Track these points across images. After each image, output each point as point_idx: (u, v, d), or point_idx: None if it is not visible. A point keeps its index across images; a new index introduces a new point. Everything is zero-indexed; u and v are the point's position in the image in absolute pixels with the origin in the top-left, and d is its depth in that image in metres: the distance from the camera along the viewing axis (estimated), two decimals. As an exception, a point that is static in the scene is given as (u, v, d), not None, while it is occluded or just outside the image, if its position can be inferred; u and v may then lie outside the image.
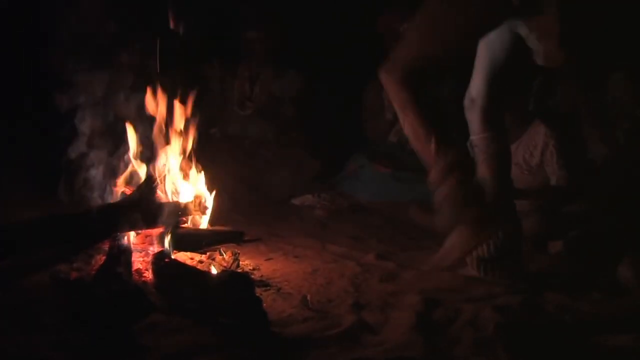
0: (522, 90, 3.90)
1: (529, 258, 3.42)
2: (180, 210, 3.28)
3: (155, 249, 3.04)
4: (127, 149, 3.40)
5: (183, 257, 3.11)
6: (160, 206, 3.14)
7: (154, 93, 3.40)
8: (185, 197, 3.41)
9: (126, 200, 3.13)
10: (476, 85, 3.04)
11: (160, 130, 3.40)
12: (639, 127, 3.86)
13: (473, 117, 3.06)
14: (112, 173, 3.34)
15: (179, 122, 3.44)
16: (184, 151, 3.46)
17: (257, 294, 2.49)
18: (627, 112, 3.85)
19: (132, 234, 3.10)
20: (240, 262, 3.10)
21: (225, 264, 3.04)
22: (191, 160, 3.50)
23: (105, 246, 2.94)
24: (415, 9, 2.94)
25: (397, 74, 2.89)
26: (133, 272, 2.79)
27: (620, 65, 3.89)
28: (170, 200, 3.32)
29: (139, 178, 3.34)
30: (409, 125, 2.94)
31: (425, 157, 2.96)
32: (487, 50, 2.99)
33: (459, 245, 3.02)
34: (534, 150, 3.90)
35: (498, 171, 3.04)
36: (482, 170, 3.03)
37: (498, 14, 2.81)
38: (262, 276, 3.03)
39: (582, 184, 3.81)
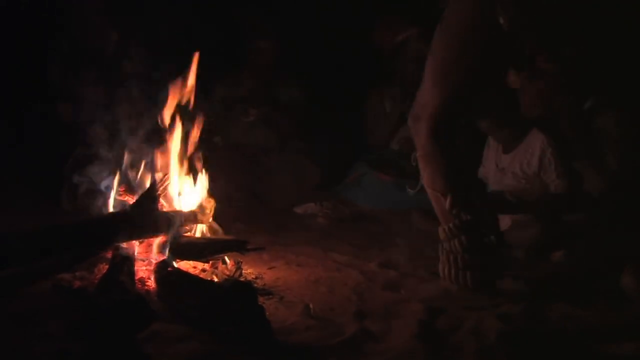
0: (513, 105, 3.90)
1: (531, 267, 3.43)
2: (182, 219, 3.28)
3: (157, 257, 3.04)
4: (129, 158, 3.41)
5: (186, 265, 3.11)
6: (162, 215, 3.14)
7: (161, 101, 3.41)
8: (187, 205, 3.41)
9: (128, 209, 3.14)
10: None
11: (163, 138, 3.40)
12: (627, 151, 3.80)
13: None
14: (115, 181, 3.34)
15: (182, 131, 3.44)
16: (187, 160, 3.47)
17: (260, 303, 2.49)
18: (614, 137, 3.81)
19: (134, 242, 3.10)
20: (243, 271, 3.10)
21: (228, 273, 3.04)
22: (194, 169, 3.50)
23: (108, 255, 2.94)
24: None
25: (427, 123, 2.97)
26: (136, 281, 2.79)
27: (605, 89, 3.87)
28: (173, 209, 3.32)
29: (142, 187, 3.34)
30: (428, 177, 3.04)
31: (439, 211, 3.05)
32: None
33: None
34: (531, 158, 3.90)
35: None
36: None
37: (492, 46, 2.87)
38: (264, 285, 3.03)
39: (581, 192, 3.80)
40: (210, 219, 3.45)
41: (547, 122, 3.94)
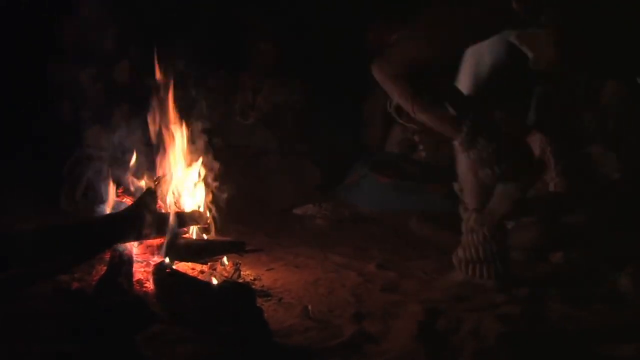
0: (520, 103, 3.90)
1: (531, 268, 3.43)
2: (181, 221, 3.28)
3: (156, 259, 3.04)
4: (129, 160, 3.41)
5: (184, 267, 3.11)
6: (161, 216, 3.14)
7: (157, 103, 3.41)
8: (186, 207, 3.41)
9: (127, 210, 3.14)
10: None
11: (163, 141, 3.41)
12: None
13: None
14: (114, 183, 3.34)
15: (181, 132, 3.45)
16: (185, 162, 3.47)
17: (259, 304, 2.49)
18: (632, 124, 3.85)
19: (133, 244, 3.10)
20: (242, 272, 3.10)
21: (226, 274, 3.04)
22: (193, 171, 3.50)
23: (107, 256, 2.94)
24: (405, 21, 3.00)
25: (393, 69, 2.95)
26: (134, 283, 2.79)
27: (618, 75, 3.90)
28: (172, 211, 3.32)
29: (141, 188, 3.34)
30: (419, 108, 2.97)
31: (449, 129, 3.01)
32: (474, 59, 3.04)
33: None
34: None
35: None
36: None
37: (499, 23, 2.85)
38: (263, 286, 3.03)
39: (581, 191, 3.81)
40: (209, 221, 3.45)
41: (546, 123, 3.95)
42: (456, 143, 3.01)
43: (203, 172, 3.49)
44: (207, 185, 3.48)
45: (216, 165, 3.51)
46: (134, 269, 2.86)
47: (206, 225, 3.43)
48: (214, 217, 3.46)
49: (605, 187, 3.84)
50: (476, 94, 3.05)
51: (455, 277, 3.08)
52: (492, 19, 2.87)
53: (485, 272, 2.98)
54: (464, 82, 3.07)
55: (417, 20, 2.99)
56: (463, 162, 3.05)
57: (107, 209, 3.28)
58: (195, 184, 3.47)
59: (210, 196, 3.48)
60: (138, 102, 3.53)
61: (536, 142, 3.89)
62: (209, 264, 3.16)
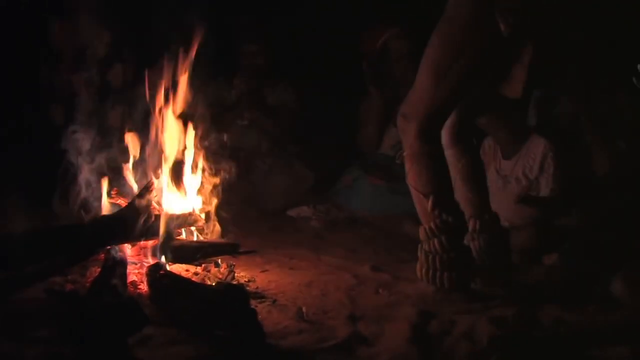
0: (520, 104, 3.91)
1: (524, 270, 3.44)
2: (175, 222, 3.27)
3: (150, 260, 3.04)
4: (122, 161, 3.40)
5: (178, 269, 3.10)
6: (155, 218, 3.14)
7: (152, 104, 3.41)
8: (180, 208, 3.41)
9: (121, 212, 3.13)
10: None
11: (156, 141, 3.40)
12: (637, 134, 3.89)
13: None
14: (107, 185, 3.34)
15: (174, 133, 3.44)
16: (179, 163, 3.46)
17: (253, 306, 2.50)
18: (626, 120, 3.89)
19: (127, 246, 3.09)
20: (236, 274, 3.10)
21: (220, 276, 3.04)
22: (186, 172, 3.49)
23: (100, 258, 2.93)
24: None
25: (416, 124, 2.96)
26: (128, 284, 2.78)
27: (618, 75, 3.93)
28: (165, 212, 3.31)
29: (134, 190, 3.34)
30: (413, 177, 3.02)
31: (420, 211, 3.04)
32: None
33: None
34: (533, 163, 3.90)
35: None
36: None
37: (489, 49, 2.86)
38: (257, 288, 3.03)
39: (575, 196, 3.82)
40: (203, 222, 3.45)
41: (547, 128, 3.99)
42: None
43: (200, 173, 3.49)
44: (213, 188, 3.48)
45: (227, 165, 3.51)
46: (127, 270, 2.85)
47: (201, 227, 3.43)
48: (220, 220, 3.47)
49: (600, 188, 3.86)
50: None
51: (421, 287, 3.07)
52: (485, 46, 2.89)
53: (446, 281, 2.95)
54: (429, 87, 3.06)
55: (423, 59, 3.00)
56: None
57: (101, 211, 3.27)
58: (189, 185, 3.47)
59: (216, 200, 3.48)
60: (131, 104, 3.52)
61: (538, 146, 3.90)
62: (202, 265, 3.16)
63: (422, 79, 2.97)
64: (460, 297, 2.91)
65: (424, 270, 2.98)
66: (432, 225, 2.96)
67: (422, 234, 3.01)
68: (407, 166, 3.04)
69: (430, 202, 2.95)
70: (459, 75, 2.89)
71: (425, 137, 2.97)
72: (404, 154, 3.06)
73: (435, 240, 2.95)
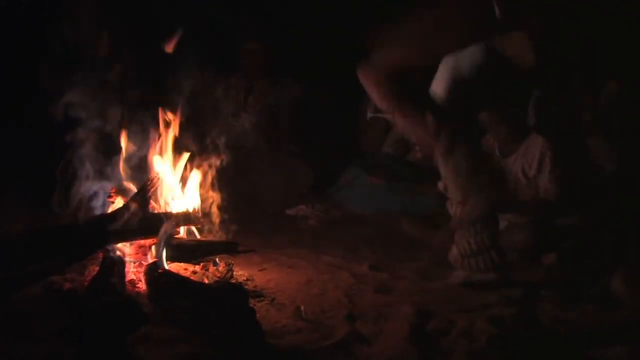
0: (518, 103, 3.92)
1: (523, 269, 3.44)
2: (174, 221, 3.27)
3: (148, 259, 3.03)
4: (121, 160, 3.40)
5: (177, 267, 3.10)
6: (153, 217, 3.13)
7: (149, 105, 3.41)
8: (179, 207, 3.40)
9: (120, 211, 3.13)
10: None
11: (155, 141, 3.40)
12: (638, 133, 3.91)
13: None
14: (106, 184, 3.33)
15: (173, 133, 3.44)
16: (178, 162, 3.46)
17: (251, 305, 2.49)
18: (628, 120, 3.90)
19: (125, 244, 3.09)
20: (234, 273, 3.09)
21: (219, 275, 3.03)
22: (185, 171, 3.49)
23: (99, 257, 2.93)
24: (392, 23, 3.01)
25: (376, 74, 2.97)
26: (126, 283, 2.78)
27: (618, 73, 3.94)
28: (164, 211, 3.31)
29: (133, 189, 3.33)
30: (399, 114, 3.01)
31: (426, 140, 3.04)
32: (451, 63, 3.05)
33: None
34: (532, 161, 3.90)
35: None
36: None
37: (482, 30, 2.85)
38: (255, 287, 3.03)
39: (573, 196, 3.82)
40: (202, 221, 3.45)
41: (546, 127, 3.99)
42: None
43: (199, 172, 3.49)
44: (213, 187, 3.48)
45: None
46: (126, 269, 2.86)
47: (199, 226, 3.42)
48: (218, 219, 3.46)
49: (599, 187, 3.86)
50: (454, 99, 3.04)
51: (455, 278, 3.08)
52: (475, 24, 2.87)
53: (482, 264, 2.98)
54: (440, 86, 3.06)
55: (401, 24, 2.99)
56: (443, 165, 3.06)
57: (99, 210, 3.27)
58: (189, 184, 3.46)
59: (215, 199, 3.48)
60: (131, 104, 3.52)
61: (537, 145, 3.90)
62: (201, 264, 3.15)
63: (397, 42, 2.97)
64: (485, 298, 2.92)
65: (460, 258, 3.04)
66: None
67: (439, 152, 3.00)
68: (391, 114, 3.09)
69: (431, 124, 2.96)
70: (440, 48, 2.91)
71: (390, 81, 2.96)
72: (379, 103, 3.05)
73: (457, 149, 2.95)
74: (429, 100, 3.03)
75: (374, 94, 3.02)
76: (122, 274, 2.77)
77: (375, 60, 2.99)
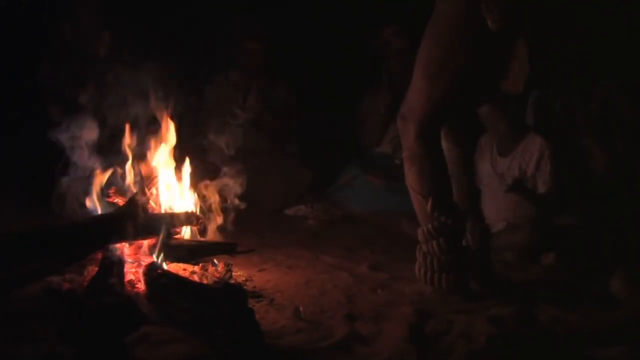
0: (517, 103, 3.92)
1: (522, 269, 3.44)
2: (173, 221, 3.27)
3: (147, 260, 3.03)
4: (120, 160, 3.39)
5: (176, 268, 3.09)
6: (152, 217, 3.13)
7: (147, 106, 3.40)
8: (178, 207, 3.40)
9: (119, 211, 3.12)
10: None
11: (153, 142, 3.40)
12: (637, 134, 3.91)
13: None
14: (105, 184, 3.33)
15: (172, 133, 3.44)
16: (177, 162, 3.46)
17: (250, 305, 2.49)
18: (625, 120, 3.90)
19: (124, 245, 3.09)
20: (233, 273, 3.09)
21: (218, 275, 3.03)
22: (184, 171, 3.49)
23: (98, 257, 2.93)
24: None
25: (415, 125, 2.95)
26: (125, 283, 2.78)
27: (614, 74, 3.95)
28: (163, 211, 3.31)
29: (132, 189, 3.33)
30: (412, 178, 3.01)
31: (419, 212, 3.03)
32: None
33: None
34: (529, 161, 3.90)
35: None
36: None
37: (481, 46, 2.85)
38: (255, 287, 3.03)
39: (573, 195, 3.83)
40: (201, 221, 3.45)
41: (545, 127, 3.99)
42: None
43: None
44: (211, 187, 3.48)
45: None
46: (125, 269, 2.85)
47: (198, 226, 3.42)
48: (218, 219, 3.46)
49: (599, 188, 3.87)
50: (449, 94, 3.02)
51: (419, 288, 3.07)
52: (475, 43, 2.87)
53: (443, 283, 2.94)
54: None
55: (417, 60, 2.98)
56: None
57: (98, 210, 3.27)
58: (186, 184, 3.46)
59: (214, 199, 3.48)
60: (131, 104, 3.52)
61: (535, 145, 3.90)
62: (200, 265, 3.15)
63: (417, 80, 2.97)
64: (458, 299, 2.90)
65: (422, 272, 2.98)
66: (430, 227, 2.96)
67: (420, 236, 3.00)
68: (406, 167, 3.03)
69: (429, 204, 2.95)
70: (453, 74, 2.88)
71: (424, 138, 2.95)
72: (403, 155, 3.05)
73: (434, 242, 2.94)
74: (443, 175, 3.03)
75: (405, 147, 3.03)
76: (121, 275, 2.77)
77: (410, 104, 3.00)
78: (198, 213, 3.39)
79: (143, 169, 3.37)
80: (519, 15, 2.80)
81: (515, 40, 2.89)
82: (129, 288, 2.79)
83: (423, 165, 2.97)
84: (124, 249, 3.06)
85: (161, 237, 3.07)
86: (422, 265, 2.99)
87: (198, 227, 3.40)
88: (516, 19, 2.80)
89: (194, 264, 3.16)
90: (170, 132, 3.42)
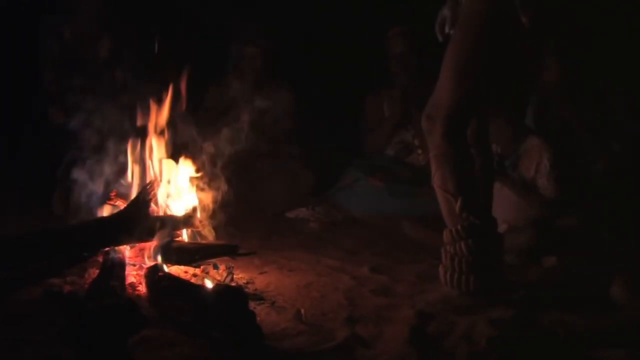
0: (517, 105, 3.92)
1: (523, 271, 3.44)
2: (174, 224, 3.27)
3: (148, 262, 3.03)
4: (121, 163, 3.40)
5: (177, 270, 3.10)
6: (154, 220, 3.14)
7: (148, 108, 3.41)
8: (179, 210, 3.41)
9: (120, 213, 3.13)
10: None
11: (154, 144, 3.40)
12: (635, 137, 3.91)
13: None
14: (107, 186, 3.34)
15: (173, 134, 3.45)
16: (178, 165, 3.46)
17: (251, 308, 2.49)
18: (622, 122, 3.91)
19: (126, 247, 3.09)
20: (234, 276, 3.09)
21: (219, 278, 3.04)
22: (185, 174, 3.49)
23: (99, 259, 2.93)
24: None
25: (440, 125, 2.91)
26: (126, 286, 2.78)
27: (613, 76, 3.95)
28: (164, 214, 3.31)
29: (133, 191, 3.34)
30: (440, 177, 2.96)
31: (447, 213, 2.98)
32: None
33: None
34: (529, 164, 3.90)
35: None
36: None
37: (511, 45, 2.84)
38: (256, 290, 3.03)
39: (573, 198, 3.82)
40: (202, 224, 3.45)
41: (545, 129, 3.99)
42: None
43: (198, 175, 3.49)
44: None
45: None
46: (126, 272, 2.86)
47: (199, 229, 3.42)
48: (219, 222, 3.46)
49: (599, 189, 3.86)
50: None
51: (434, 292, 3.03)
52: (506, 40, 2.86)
53: (472, 284, 2.89)
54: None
55: (444, 57, 2.95)
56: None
57: (100, 212, 3.27)
58: (189, 187, 3.47)
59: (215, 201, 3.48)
60: (132, 105, 3.53)
61: (535, 146, 3.90)
62: (201, 267, 3.16)
63: (444, 79, 2.92)
64: (486, 301, 2.85)
65: (448, 274, 2.91)
66: (459, 227, 2.91)
67: (447, 237, 2.94)
68: (434, 167, 2.98)
69: (458, 204, 2.90)
70: (481, 73, 2.86)
71: (452, 138, 2.91)
72: (430, 154, 3.02)
73: (462, 243, 2.89)
74: (470, 176, 2.99)
75: (431, 148, 2.99)
76: (122, 277, 2.77)
77: (435, 104, 2.95)
78: (198, 215, 3.40)
79: (144, 172, 3.38)
80: (552, 13, 2.79)
81: (545, 39, 2.88)
82: (130, 290, 2.79)
83: (452, 164, 2.92)
84: (125, 251, 3.07)
85: (162, 239, 3.08)
86: (449, 268, 2.93)
87: (199, 229, 3.41)
88: (550, 18, 2.79)
89: (195, 267, 3.16)
90: (171, 135, 3.43)
